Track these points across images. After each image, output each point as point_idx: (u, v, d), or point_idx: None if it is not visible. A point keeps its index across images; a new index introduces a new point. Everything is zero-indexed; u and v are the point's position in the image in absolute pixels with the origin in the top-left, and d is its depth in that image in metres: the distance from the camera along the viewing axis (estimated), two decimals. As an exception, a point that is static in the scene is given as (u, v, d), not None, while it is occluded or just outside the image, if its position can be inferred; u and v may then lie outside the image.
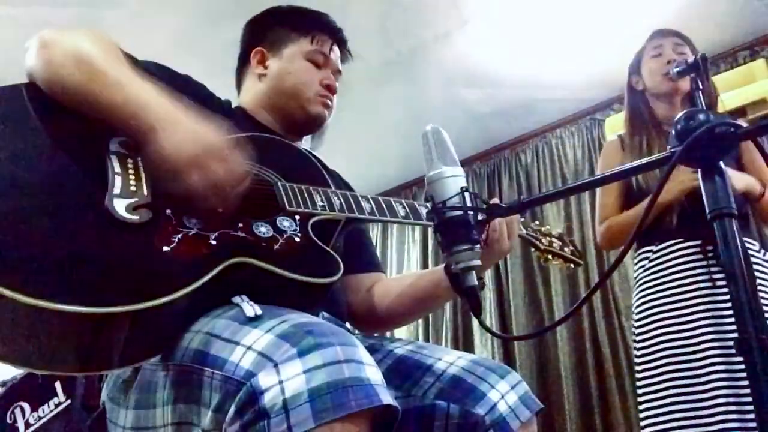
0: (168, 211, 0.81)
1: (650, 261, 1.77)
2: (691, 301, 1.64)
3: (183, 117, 0.83)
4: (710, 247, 1.67)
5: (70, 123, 0.85)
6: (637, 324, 1.76)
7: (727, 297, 1.62)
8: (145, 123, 0.82)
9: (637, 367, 1.74)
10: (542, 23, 2.94)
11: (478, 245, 0.80)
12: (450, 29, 2.98)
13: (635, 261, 1.88)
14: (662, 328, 1.66)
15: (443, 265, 1.07)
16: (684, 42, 1.87)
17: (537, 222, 1.34)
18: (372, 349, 1.02)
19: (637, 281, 1.81)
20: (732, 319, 1.59)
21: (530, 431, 0.92)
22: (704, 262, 1.67)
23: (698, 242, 1.69)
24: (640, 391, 1.69)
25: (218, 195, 0.82)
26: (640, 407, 1.68)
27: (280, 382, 0.61)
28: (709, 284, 1.64)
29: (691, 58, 1.66)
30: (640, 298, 1.77)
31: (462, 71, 3.26)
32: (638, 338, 1.74)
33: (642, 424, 1.65)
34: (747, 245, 1.70)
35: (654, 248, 1.77)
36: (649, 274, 1.76)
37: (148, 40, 2.82)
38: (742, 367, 1.69)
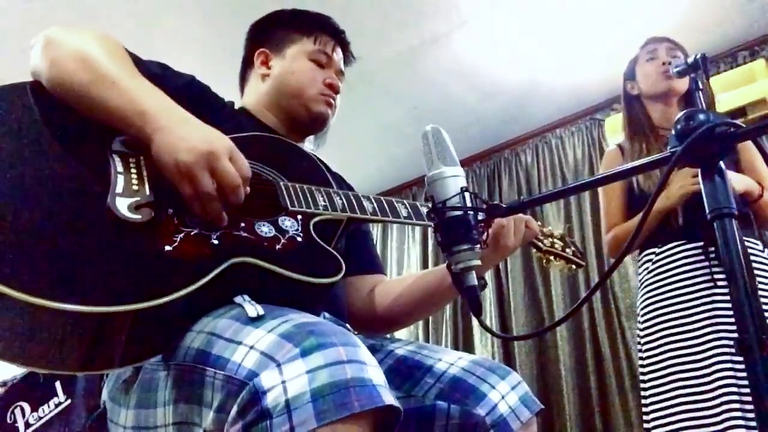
0: (170, 211, 0.81)
1: (653, 263, 1.78)
2: (694, 302, 1.65)
3: (183, 124, 0.83)
4: (712, 248, 1.68)
5: (73, 122, 0.85)
6: (642, 326, 1.77)
7: (728, 297, 1.63)
8: (144, 128, 0.82)
9: (643, 369, 1.74)
10: (542, 23, 2.94)
11: (478, 245, 0.80)
12: (450, 29, 2.97)
13: (639, 263, 1.88)
14: (666, 329, 1.67)
15: (446, 263, 1.07)
16: (677, 47, 1.89)
17: (539, 223, 1.34)
18: (372, 350, 1.02)
19: (642, 283, 1.82)
20: (733, 319, 1.61)
21: (530, 431, 0.93)
22: (706, 263, 1.68)
23: (700, 243, 1.70)
24: (646, 393, 1.70)
25: (207, 207, 0.80)
26: (647, 408, 1.68)
27: (283, 382, 0.61)
28: (711, 284, 1.65)
29: (691, 58, 1.67)
30: (644, 301, 1.78)
31: (462, 71, 3.26)
32: (643, 340, 1.75)
33: (650, 425, 1.65)
34: (749, 245, 1.71)
35: (657, 250, 1.78)
36: (653, 276, 1.77)
37: (152, 42, 2.83)
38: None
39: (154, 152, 0.81)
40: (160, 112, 0.83)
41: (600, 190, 2.01)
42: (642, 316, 1.78)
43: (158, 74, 1.01)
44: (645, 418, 1.72)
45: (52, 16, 2.71)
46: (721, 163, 0.68)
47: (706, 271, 1.67)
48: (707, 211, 0.67)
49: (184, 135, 0.81)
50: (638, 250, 1.94)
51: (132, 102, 0.83)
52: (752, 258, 1.70)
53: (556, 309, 3.30)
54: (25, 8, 2.69)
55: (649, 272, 1.78)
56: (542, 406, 0.95)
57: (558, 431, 3.08)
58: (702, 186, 0.68)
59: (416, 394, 0.93)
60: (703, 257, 1.69)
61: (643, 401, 1.74)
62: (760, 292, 1.64)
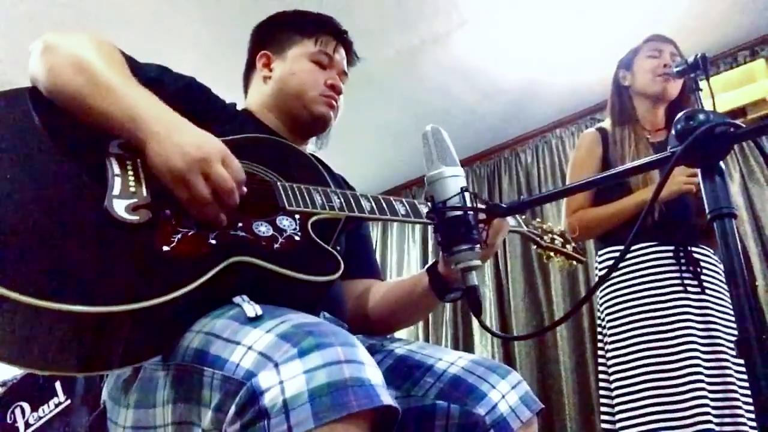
0: (167, 212, 0.81)
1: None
2: (665, 304, 1.65)
3: (176, 130, 0.84)
4: (683, 253, 1.68)
5: (71, 126, 0.86)
6: (608, 326, 1.75)
7: (699, 303, 1.64)
8: (137, 135, 0.83)
9: (609, 369, 1.73)
10: (542, 23, 2.94)
11: (478, 245, 0.80)
12: (450, 29, 2.98)
13: (600, 259, 1.88)
14: (636, 330, 1.66)
15: (426, 267, 1.07)
16: (678, 54, 1.90)
17: (538, 219, 1.33)
18: (372, 350, 1.02)
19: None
20: (706, 325, 1.61)
21: (531, 431, 0.92)
22: (677, 267, 1.68)
23: (671, 247, 1.70)
24: (612, 393, 1.68)
25: (204, 210, 0.82)
26: (614, 409, 1.67)
27: (281, 382, 0.61)
28: (681, 288, 1.65)
29: (691, 58, 1.67)
30: (609, 300, 1.76)
31: (462, 71, 3.26)
32: (609, 338, 1.73)
33: (617, 426, 1.64)
34: (713, 259, 1.73)
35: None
36: (620, 275, 1.75)
37: (153, 42, 2.83)
38: (717, 372, 1.71)
39: (149, 158, 0.83)
40: (153, 119, 0.84)
41: (569, 172, 2.01)
42: (607, 315, 1.76)
43: (156, 78, 1.01)
44: (607, 418, 1.70)
45: (53, 17, 2.72)
46: (722, 163, 0.68)
47: (677, 275, 1.67)
48: (707, 210, 0.67)
49: (176, 141, 0.82)
50: (600, 244, 1.92)
51: (126, 109, 0.84)
52: (718, 270, 1.71)
53: (556, 309, 3.31)
54: (25, 8, 2.69)
55: (616, 270, 1.77)
56: (542, 406, 0.94)
57: (558, 431, 3.08)
58: (702, 186, 0.68)
59: (416, 393, 0.93)
60: (674, 261, 1.69)
61: (604, 401, 1.73)
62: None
